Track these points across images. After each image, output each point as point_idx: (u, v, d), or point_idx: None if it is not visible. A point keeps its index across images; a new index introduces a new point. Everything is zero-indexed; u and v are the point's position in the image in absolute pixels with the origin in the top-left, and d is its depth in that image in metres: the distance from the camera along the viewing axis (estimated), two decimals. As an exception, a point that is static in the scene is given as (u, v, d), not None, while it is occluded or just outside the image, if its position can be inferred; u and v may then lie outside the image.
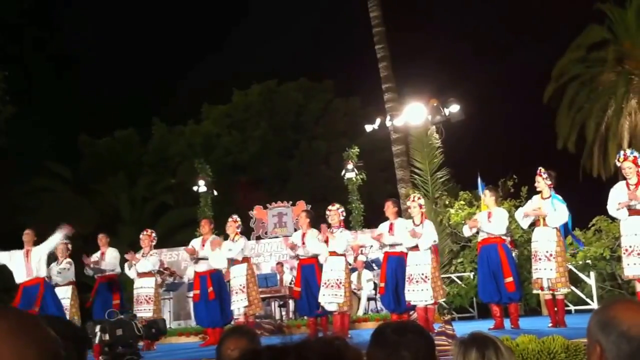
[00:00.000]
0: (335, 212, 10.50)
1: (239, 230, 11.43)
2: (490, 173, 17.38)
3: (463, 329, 10.35)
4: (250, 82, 30.36)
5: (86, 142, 28.25)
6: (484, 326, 11.46)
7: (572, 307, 15.49)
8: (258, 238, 17.74)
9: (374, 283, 15.54)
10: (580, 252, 15.54)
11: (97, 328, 5.36)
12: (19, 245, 11.05)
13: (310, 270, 10.68)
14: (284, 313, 16.10)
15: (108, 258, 12.78)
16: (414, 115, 18.22)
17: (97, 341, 5.39)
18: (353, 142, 19.02)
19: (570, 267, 15.43)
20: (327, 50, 31.14)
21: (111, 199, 26.94)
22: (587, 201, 21.52)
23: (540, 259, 9.54)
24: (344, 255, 10.39)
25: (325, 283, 10.17)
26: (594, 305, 15.00)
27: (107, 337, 5.37)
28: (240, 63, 31.45)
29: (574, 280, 15.60)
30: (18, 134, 24.35)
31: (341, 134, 27.51)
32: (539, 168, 9.83)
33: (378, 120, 19.31)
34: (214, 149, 28.17)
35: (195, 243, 11.87)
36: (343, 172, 17.86)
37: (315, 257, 10.59)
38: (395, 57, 21.78)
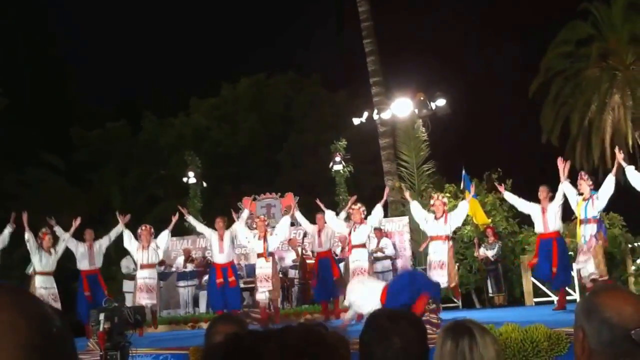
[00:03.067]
0: (357, 211, 12.19)
1: (268, 228, 13.18)
2: (475, 166, 17.64)
3: (447, 318, 10.68)
4: (239, 75, 30.50)
5: (78, 134, 28.23)
6: (469, 315, 11.67)
7: (554, 298, 15.72)
8: (246, 229, 17.81)
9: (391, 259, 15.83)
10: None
11: (102, 316, 5.47)
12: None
13: (326, 262, 12.75)
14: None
15: (98, 252, 13.66)
16: (401, 108, 18.42)
17: (100, 329, 5.51)
18: (341, 134, 19.14)
19: (553, 258, 15.70)
20: (315, 44, 31.26)
21: (102, 190, 27.01)
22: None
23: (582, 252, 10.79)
24: (365, 246, 12.16)
25: (353, 271, 11.89)
26: (576, 296, 15.21)
27: (108, 324, 5.51)
28: (230, 57, 31.52)
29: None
30: (11, 124, 24.39)
31: (329, 126, 27.61)
32: (580, 172, 11.30)
33: (365, 114, 19.51)
34: (204, 141, 28.26)
35: (214, 243, 13.40)
36: (331, 164, 17.98)
37: (331, 250, 12.88)
38: (383, 51, 21.99)
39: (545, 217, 11.38)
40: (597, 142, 21.99)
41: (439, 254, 11.26)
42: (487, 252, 15.75)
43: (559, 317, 9.48)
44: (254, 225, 13.77)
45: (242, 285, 14.52)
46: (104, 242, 13.74)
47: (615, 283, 11.90)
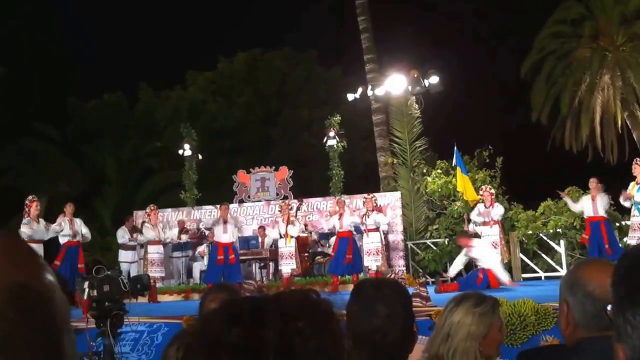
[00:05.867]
0: (369, 200, 14.77)
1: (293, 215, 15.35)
2: (466, 143, 17.82)
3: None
4: (236, 49, 30.55)
5: (75, 105, 28.22)
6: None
7: (542, 274, 16.04)
8: (241, 202, 17.97)
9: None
10: (552, 221, 16.04)
11: (86, 284, 5.38)
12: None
13: (346, 241, 14.38)
14: (264, 275, 16.49)
15: (80, 225, 14.20)
16: (394, 85, 18.51)
17: (85, 297, 5.42)
18: (335, 110, 19.23)
19: (541, 235, 16.00)
20: (310, 20, 31.26)
21: (98, 161, 27.09)
22: (558, 172, 22.15)
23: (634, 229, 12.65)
24: (378, 230, 14.55)
25: (367, 252, 14.48)
26: (563, 272, 15.45)
27: (94, 293, 5.41)
28: (226, 31, 31.48)
29: (545, 248, 16.18)
30: (6, 94, 24.35)
31: (323, 102, 27.75)
32: (636, 158, 12.76)
33: (360, 90, 19.64)
34: (200, 114, 28.33)
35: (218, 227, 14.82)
36: (325, 139, 18.05)
37: (351, 231, 14.59)
38: (377, 28, 22.08)
39: (594, 204, 13.42)
40: (587, 122, 22.16)
41: (492, 236, 13.80)
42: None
43: (547, 292, 9.60)
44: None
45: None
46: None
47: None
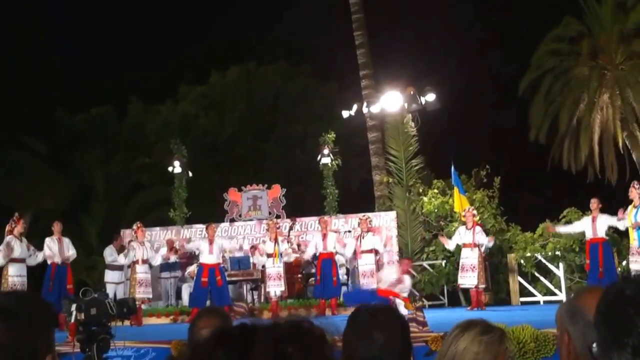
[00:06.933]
0: (364, 221, 14.81)
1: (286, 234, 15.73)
2: (463, 162, 17.60)
3: (433, 316, 10.66)
4: (229, 63, 30.19)
5: (63, 117, 27.84)
6: (455, 314, 11.85)
7: (540, 298, 15.73)
8: (232, 220, 17.66)
9: (346, 268, 15.76)
10: (550, 243, 15.76)
11: (73, 307, 5.34)
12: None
13: (329, 263, 14.09)
14: (255, 296, 16.10)
15: (69, 245, 13.92)
16: (390, 102, 18.27)
17: (72, 320, 5.40)
18: (329, 126, 18.97)
19: (540, 257, 15.70)
20: (306, 35, 30.95)
21: (85, 175, 26.69)
22: (557, 193, 21.91)
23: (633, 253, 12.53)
24: (372, 251, 14.40)
25: (362, 273, 14.37)
26: (562, 296, 15.22)
27: (82, 316, 5.34)
28: (219, 44, 31.16)
29: (544, 271, 15.87)
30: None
31: (317, 118, 27.47)
32: (633, 182, 12.72)
33: (355, 107, 19.35)
34: (191, 129, 28.00)
35: (204, 246, 14.28)
36: (319, 157, 17.80)
37: (333, 253, 14.29)
38: (373, 44, 21.83)
39: (594, 225, 13.23)
40: (586, 141, 21.90)
41: (470, 259, 13.78)
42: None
43: (547, 318, 9.43)
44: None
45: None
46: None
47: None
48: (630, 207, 12.49)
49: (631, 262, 12.64)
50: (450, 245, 14.64)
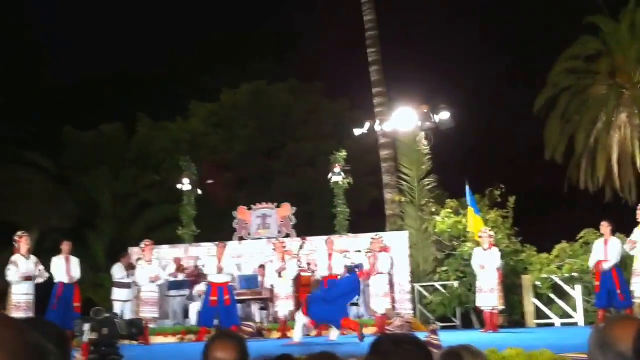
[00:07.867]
0: (376, 241, 14.10)
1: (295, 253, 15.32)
2: (478, 182, 17.27)
3: (446, 339, 10.29)
4: (240, 81, 30.03)
5: (71, 134, 27.75)
6: (466, 336, 11.51)
7: (556, 320, 15.35)
8: (241, 239, 17.41)
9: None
10: (567, 264, 15.40)
11: (86, 326, 5.15)
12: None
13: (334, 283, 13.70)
14: (264, 316, 15.93)
15: (76, 265, 13.83)
16: (403, 120, 18.08)
17: (85, 340, 5.21)
18: (340, 144, 18.80)
19: (556, 279, 15.33)
20: (317, 52, 30.83)
21: (93, 193, 26.50)
22: (574, 213, 21.51)
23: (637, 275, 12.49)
24: (383, 273, 13.86)
25: (374, 294, 13.87)
26: (579, 318, 14.88)
27: (94, 335, 5.17)
28: (230, 62, 31.08)
29: (560, 293, 15.48)
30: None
31: (328, 136, 27.22)
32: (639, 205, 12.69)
33: (367, 124, 19.12)
34: (200, 147, 27.80)
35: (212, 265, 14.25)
36: (330, 175, 17.60)
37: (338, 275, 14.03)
38: (387, 61, 21.61)
39: (606, 248, 13.13)
40: (603, 161, 21.60)
41: (489, 280, 13.67)
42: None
43: (564, 342, 9.20)
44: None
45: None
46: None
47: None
48: (636, 229, 12.50)
49: (633, 284, 12.58)
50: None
